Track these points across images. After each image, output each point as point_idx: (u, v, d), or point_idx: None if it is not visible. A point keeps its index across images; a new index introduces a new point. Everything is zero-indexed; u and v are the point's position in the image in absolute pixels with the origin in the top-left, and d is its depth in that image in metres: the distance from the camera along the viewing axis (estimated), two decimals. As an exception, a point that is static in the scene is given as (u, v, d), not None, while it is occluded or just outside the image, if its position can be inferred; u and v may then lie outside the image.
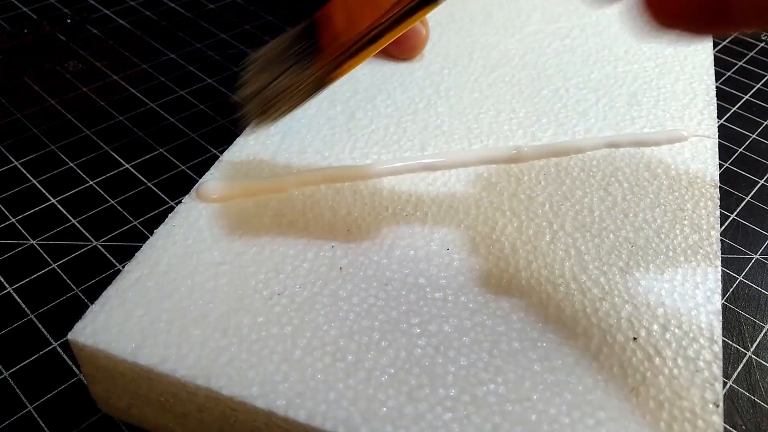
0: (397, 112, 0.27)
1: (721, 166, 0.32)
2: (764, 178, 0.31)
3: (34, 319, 0.25)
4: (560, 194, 0.24)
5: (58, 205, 0.29)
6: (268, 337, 0.19)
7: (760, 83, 0.37)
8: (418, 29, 0.30)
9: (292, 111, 0.21)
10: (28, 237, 0.28)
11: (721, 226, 0.25)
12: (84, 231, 0.28)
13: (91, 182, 0.30)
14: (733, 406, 0.22)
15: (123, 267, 0.21)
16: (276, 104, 0.21)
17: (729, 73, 0.38)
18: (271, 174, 0.24)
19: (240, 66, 0.20)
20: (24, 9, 0.43)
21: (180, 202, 0.23)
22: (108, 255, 0.27)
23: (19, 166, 0.31)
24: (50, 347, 0.24)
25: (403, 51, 0.30)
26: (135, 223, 0.29)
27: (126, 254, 0.27)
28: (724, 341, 0.24)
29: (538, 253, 0.21)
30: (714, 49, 0.40)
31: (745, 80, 0.38)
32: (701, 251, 0.22)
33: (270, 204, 0.23)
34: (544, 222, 0.22)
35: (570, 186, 0.24)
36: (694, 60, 0.30)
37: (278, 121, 0.21)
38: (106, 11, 0.43)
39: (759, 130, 0.34)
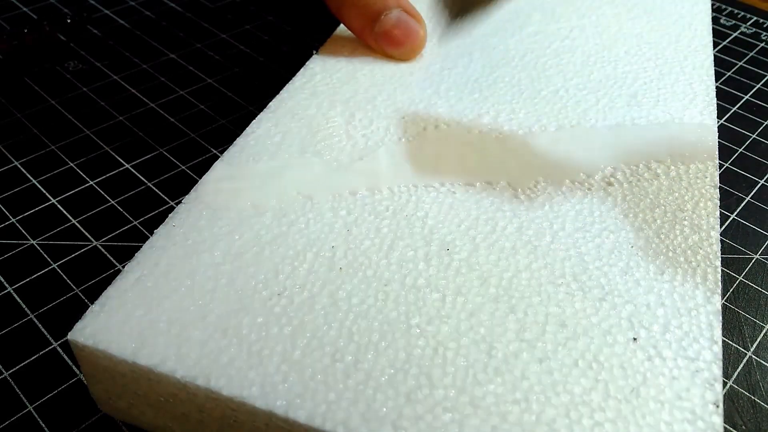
0: (397, 112, 0.27)
1: (721, 166, 0.32)
2: (764, 178, 0.31)
3: (34, 319, 0.25)
4: (560, 194, 0.24)
5: (58, 205, 0.29)
6: (267, 338, 0.19)
7: (760, 83, 0.37)
8: (416, 30, 0.30)
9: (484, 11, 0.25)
10: (28, 237, 0.28)
11: (721, 226, 0.25)
12: (84, 231, 0.28)
13: (91, 182, 0.30)
14: (733, 406, 0.22)
15: (123, 267, 0.21)
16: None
17: (729, 73, 0.38)
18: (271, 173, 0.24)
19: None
20: (24, 9, 0.43)
21: (180, 202, 0.23)
22: (108, 255, 0.27)
23: (19, 166, 0.31)
24: (50, 347, 0.24)
25: (402, 52, 0.30)
26: (135, 223, 0.29)
27: (126, 254, 0.27)
28: (724, 341, 0.24)
29: (538, 253, 0.21)
30: (714, 49, 0.40)
31: (745, 80, 0.38)
32: (701, 251, 0.22)
33: (270, 204, 0.23)
34: (544, 222, 0.22)
35: (570, 186, 0.24)
36: (694, 60, 0.30)
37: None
38: (106, 11, 0.43)
39: (759, 130, 0.34)
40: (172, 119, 0.34)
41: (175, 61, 0.39)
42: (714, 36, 0.39)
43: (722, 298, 0.25)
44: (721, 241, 0.28)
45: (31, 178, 0.31)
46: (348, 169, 0.24)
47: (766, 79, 0.38)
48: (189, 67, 0.38)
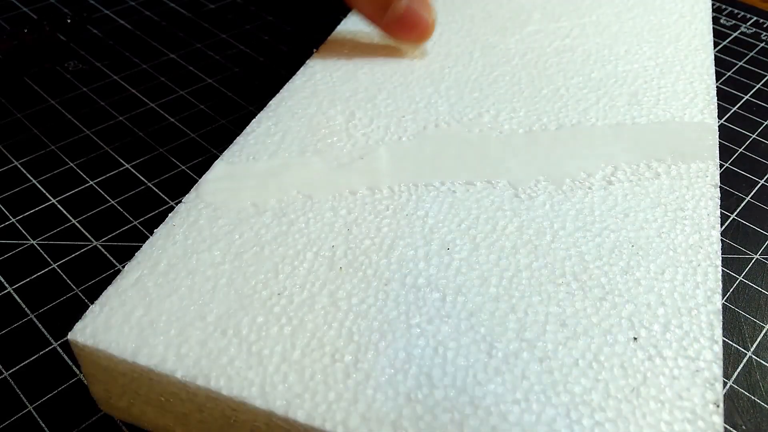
0: (397, 111, 0.27)
1: (721, 166, 0.32)
2: (764, 178, 0.31)
3: (34, 319, 0.25)
4: (561, 194, 0.24)
5: (58, 205, 0.29)
6: (267, 338, 0.19)
7: (760, 83, 0.37)
8: (425, 19, 0.30)
9: None
10: (28, 237, 0.28)
11: (721, 226, 0.25)
12: (84, 231, 0.28)
13: (91, 182, 0.30)
14: (733, 406, 0.22)
15: (123, 267, 0.21)
16: None
17: (729, 73, 0.38)
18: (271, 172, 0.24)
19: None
20: (24, 9, 0.43)
21: (180, 202, 0.23)
22: (108, 255, 0.27)
23: (19, 166, 0.31)
24: (50, 347, 0.24)
25: (410, 39, 0.30)
26: (135, 223, 0.29)
27: (126, 254, 0.27)
28: (724, 341, 0.24)
29: (539, 253, 0.21)
30: (714, 49, 0.40)
31: (745, 80, 0.37)
32: (702, 251, 0.22)
33: (270, 203, 0.23)
34: (544, 222, 0.22)
35: (570, 185, 0.24)
36: (694, 60, 0.30)
37: None
38: (106, 11, 0.43)
39: (759, 130, 0.34)
40: (172, 119, 0.34)
41: (175, 61, 0.39)
42: (714, 36, 0.39)
43: (722, 298, 0.25)
44: (721, 241, 0.28)
45: (31, 178, 0.31)
46: (348, 168, 0.24)
47: (766, 79, 0.38)
48: (189, 67, 0.38)
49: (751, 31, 0.42)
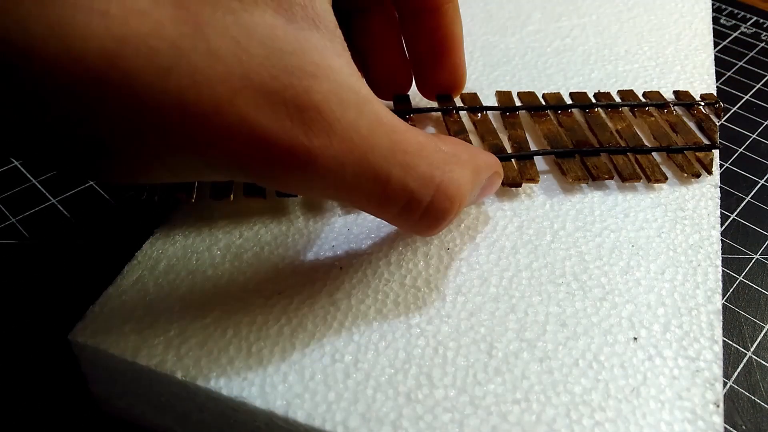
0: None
1: (721, 166, 0.32)
2: (764, 178, 0.31)
3: (34, 319, 0.25)
4: (561, 194, 0.24)
5: (58, 205, 0.29)
6: (267, 337, 0.19)
7: (760, 83, 0.37)
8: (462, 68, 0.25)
9: None
10: (29, 237, 0.28)
11: (721, 226, 0.25)
12: (84, 231, 0.28)
13: (90, 182, 0.30)
14: (733, 406, 0.22)
15: (123, 267, 0.21)
16: None
17: (729, 73, 0.38)
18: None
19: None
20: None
21: (180, 202, 0.23)
22: (108, 255, 0.27)
23: (19, 166, 0.31)
24: (50, 347, 0.24)
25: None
26: (134, 223, 0.28)
27: (126, 254, 0.27)
28: (724, 341, 0.24)
29: (539, 252, 0.21)
30: (714, 49, 0.39)
31: (745, 80, 0.37)
32: (702, 251, 0.22)
33: (270, 204, 0.23)
34: (545, 222, 0.22)
35: (570, 185, 0.24)
36: (694, 60, 0.30)
37: None
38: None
39: (759, 130, 0.34)
40: (172, 119, 0.34)
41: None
42: (714, 36, 0.39)
43: (722, 298, 0.25)
44: (721, 241, 0.28)
45: (31, 178, 0.31)
46: None
47: (766, 79, 0.38)
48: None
49: (751, 31, 0.41)
